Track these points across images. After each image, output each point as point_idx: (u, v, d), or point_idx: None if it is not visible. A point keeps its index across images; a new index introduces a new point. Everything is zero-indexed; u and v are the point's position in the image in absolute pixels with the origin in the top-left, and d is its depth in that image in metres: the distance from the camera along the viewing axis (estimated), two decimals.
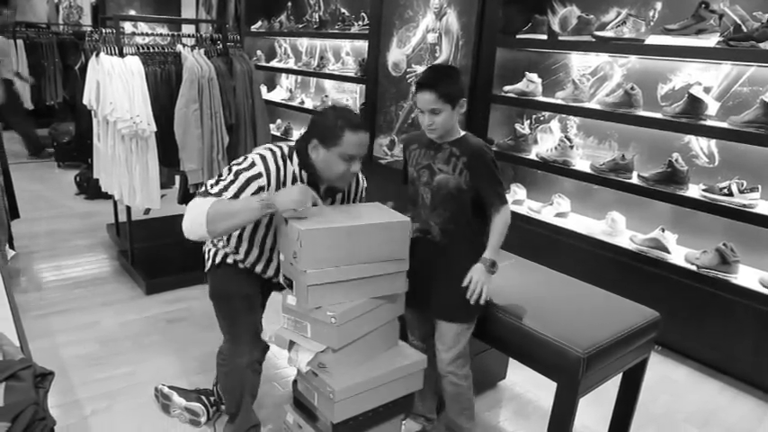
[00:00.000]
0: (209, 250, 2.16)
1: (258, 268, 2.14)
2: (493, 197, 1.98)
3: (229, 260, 2.12)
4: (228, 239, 2.08)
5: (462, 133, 2.02)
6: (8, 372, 1.22)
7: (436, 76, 1.95)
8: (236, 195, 1.87)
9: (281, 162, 1.96)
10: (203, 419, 2.34)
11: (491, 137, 3.89)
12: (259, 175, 1.90)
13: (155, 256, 3.80)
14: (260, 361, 2.10)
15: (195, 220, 1.82)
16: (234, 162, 1.96)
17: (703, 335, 2.97)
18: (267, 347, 2.12)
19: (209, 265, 2.15)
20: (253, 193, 1.89)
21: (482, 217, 2.03)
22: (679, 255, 3.11)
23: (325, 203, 2.01)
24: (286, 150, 2.00)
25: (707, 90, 3.05)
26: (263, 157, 1.94)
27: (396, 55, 4.60)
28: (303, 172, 1.99)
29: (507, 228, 1.99)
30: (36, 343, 2.11)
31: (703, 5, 2.90)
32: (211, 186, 1.90)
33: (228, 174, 1.91)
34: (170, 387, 2.44)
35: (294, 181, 1.98)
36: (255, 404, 2.16)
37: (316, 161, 1.95)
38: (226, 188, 1.88)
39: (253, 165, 1.91)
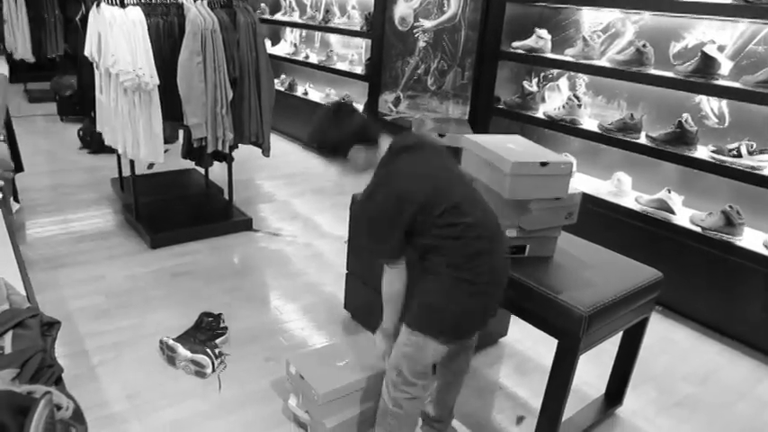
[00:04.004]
0: None
1: None
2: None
3: None
4: None
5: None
6: (15, 320, 1.23)
7: (312, 136, 1.73)
8: None
9: None
10: (209, 371, 2.38)
11: (498, 94, 3.83)
12: None
13: (159, 210, 3.80)
14: None
15: None
16: None
17: (705, 296, 2.98)
18: None
19: None
20: None
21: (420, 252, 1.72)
22: (684, 216, 3.10)
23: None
24: None
25: (721, 49, 2.98)
26: None
27: (403, 9, 4.49)
28: None
29: (392, 300, 1.72)
30: (43, 295, 2.13)
31: None
32: None
33: None
34: (175, 339, 2.47)
35: None
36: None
37: None
38: None
39: None
